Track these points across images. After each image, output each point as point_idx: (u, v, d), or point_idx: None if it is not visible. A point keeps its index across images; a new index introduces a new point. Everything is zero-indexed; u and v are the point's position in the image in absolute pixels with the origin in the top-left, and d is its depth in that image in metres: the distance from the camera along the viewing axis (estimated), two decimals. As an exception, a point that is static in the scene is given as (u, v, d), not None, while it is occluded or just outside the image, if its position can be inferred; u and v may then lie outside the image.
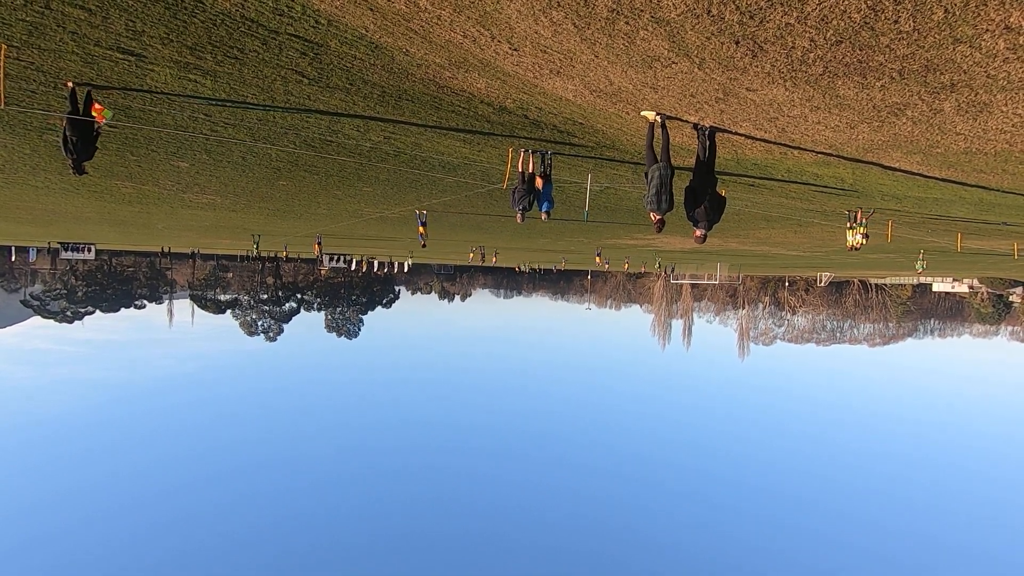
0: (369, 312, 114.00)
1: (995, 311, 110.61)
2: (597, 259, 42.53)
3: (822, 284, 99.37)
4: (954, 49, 4.24)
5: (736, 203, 15.14)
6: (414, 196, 16.65)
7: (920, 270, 32.24)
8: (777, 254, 36.79)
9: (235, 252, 75.04)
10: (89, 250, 44.92)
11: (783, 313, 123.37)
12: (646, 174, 6.87)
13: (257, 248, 32.83)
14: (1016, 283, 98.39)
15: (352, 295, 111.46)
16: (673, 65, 5.20)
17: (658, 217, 6.94)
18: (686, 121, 6.98)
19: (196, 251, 60.20)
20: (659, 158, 6.84)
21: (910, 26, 3.94)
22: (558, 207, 10.51)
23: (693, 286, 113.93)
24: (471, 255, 43.11)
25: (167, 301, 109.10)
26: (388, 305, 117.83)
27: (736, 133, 7.48)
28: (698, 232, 7.14)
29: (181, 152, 11.82)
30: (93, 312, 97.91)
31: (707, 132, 6.91)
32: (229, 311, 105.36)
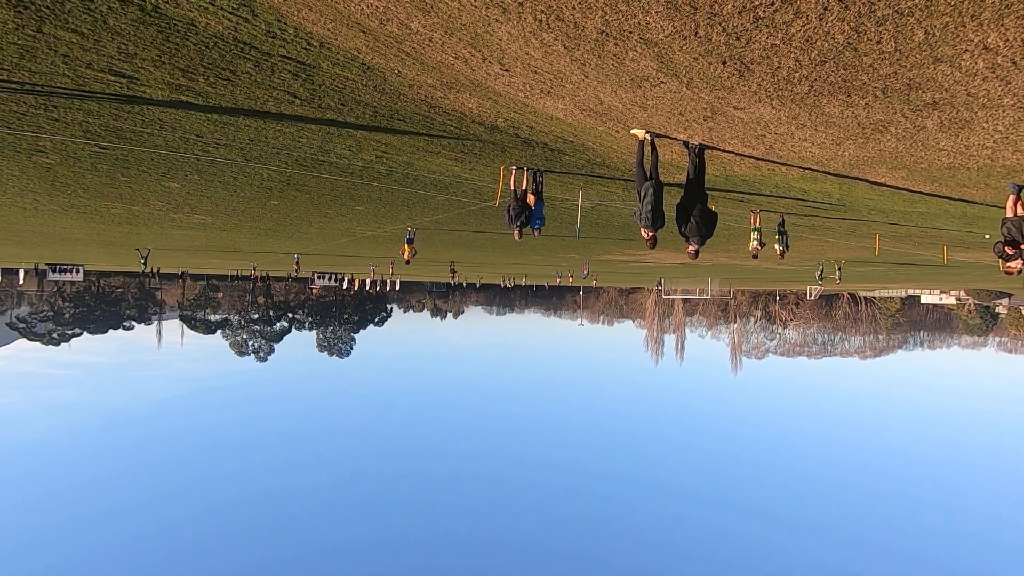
0: (361, 331, 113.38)
1: (982, 322, 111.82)
2: (585, 273, 42.03)
3: (812, 297, 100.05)
4: (935, 68, 4.34)
5: (726, 218, 15.28)
6: (406, 214, 16.68)
7: (833, 281, 29.71)
8: (767, 268, 37.07)
9: (226, 271, 74.69)
10: (78, 271, 44.42)
11: (774, 327, 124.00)
12: (638, 191, 6.93)
13: (145, 263, 31.98)
14: (1002, 294, 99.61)
15: (344, 314, 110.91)
16: (662, 85, 5.28)
17: (650, 233, 7.00)
18: (675, 139, 7.07)
19: (185, 271, 59.72)
20: (649, 175, 6.92)
21: (892, 46, 4.03)
22: (550, 224, 10.58)
23: (685, 301, 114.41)
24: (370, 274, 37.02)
25: (156, 322, 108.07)
26: (380, 323, 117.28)
27: (724, 150, 7.58)
28: (691, 248, 7.21)
29: (172, 173, 11.81)
30: (80, 334, 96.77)
31: (696, 150, 7.00)
32: (219, 331, 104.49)
